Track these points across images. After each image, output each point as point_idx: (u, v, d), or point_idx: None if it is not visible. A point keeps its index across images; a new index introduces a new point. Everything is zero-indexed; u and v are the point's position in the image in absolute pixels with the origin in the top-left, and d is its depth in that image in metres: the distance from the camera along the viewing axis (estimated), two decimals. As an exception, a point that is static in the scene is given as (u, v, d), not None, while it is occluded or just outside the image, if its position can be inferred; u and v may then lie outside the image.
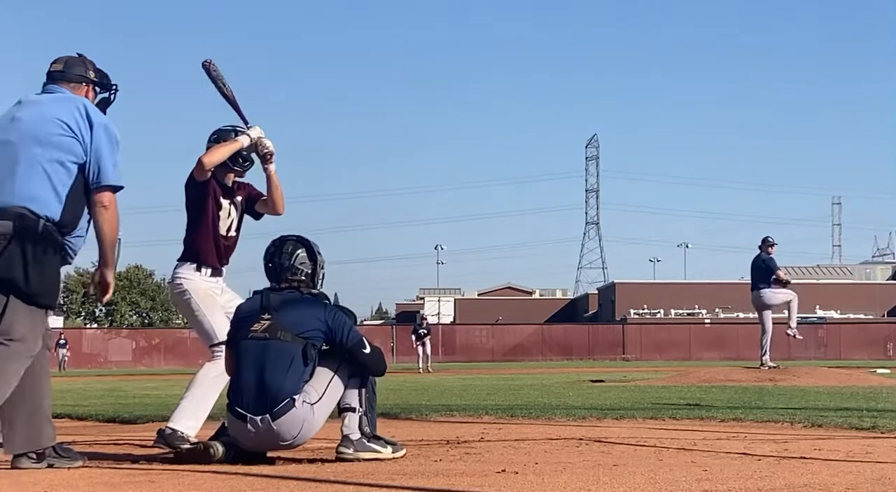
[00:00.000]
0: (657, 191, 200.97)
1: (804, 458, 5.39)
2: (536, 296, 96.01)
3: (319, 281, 5.82)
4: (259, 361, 5.44)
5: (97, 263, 5.50)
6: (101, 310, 79.73)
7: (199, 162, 6.35)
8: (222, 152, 6.38)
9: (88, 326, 74.32)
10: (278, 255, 5.75)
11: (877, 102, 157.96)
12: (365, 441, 5.50)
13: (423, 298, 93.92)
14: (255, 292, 5.79)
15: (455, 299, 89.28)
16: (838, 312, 70.33)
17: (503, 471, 4.87)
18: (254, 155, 6.60)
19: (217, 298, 6.46)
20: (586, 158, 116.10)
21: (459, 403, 10.95)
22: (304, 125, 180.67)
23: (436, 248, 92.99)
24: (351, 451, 5.46)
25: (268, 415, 5.34)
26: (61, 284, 5.26)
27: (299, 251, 5.76)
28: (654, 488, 4.30)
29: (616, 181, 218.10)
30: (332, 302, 5.74)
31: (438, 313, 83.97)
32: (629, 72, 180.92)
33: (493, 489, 4.30)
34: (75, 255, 5.34)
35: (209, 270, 6.47)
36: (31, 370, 5.12)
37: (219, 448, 5.42)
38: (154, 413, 9.76)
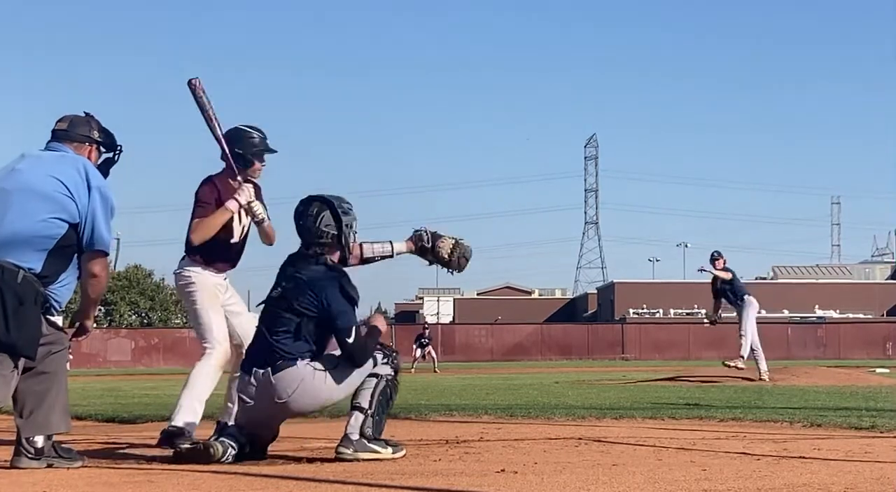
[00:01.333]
0: (656, 191, 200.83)
1: (803, 457, 5.39)
2: (535, 296, 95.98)
3: (348, 238, 5.77)
4: (266, 324, 5.59)
5: (77, 309, 5.58)
6: (100, 310, 79.69)
7: (189, 240, 6.40)
8: (212, 227, 6.35)
9: (88, 326, 74.19)
10: (304, 216, 5.75)
11: (876, 102, 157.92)
12: (365, 442, 5.50)
13: (422, 298, 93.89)
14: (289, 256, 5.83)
15: (454, 299, 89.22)
16: (837, 311, 70.31)
17: (502, 471, 4.87)
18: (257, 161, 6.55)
19: (220, 296, 6.50)
20: (585, 157, 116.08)
21: (459, 402, 10.95)
22: (303, 125, 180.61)
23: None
24: (350, 451, 5.47)
25: (269, 368, 5.47)
26: (41, 335, 5.22)
27: (324, 213, 5.72)
28: (654, 487, 4.30)
29: (615, 181, 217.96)
30: (341, 278, 5.66)
31: (438, 313, 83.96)
32: (628, 71, 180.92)
33: (493, 489, 4.31)
34: (61, 305, 5.37)
35: (217, 269, 6.50)
36: (51, 365, 5.23)
37: (218, 448, 5.42)
38: (153, 413, 9.76)
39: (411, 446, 6.25)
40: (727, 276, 16.99)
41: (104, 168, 5.54)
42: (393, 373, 5.69)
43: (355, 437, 5.50)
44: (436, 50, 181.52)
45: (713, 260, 17.01)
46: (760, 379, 16.19)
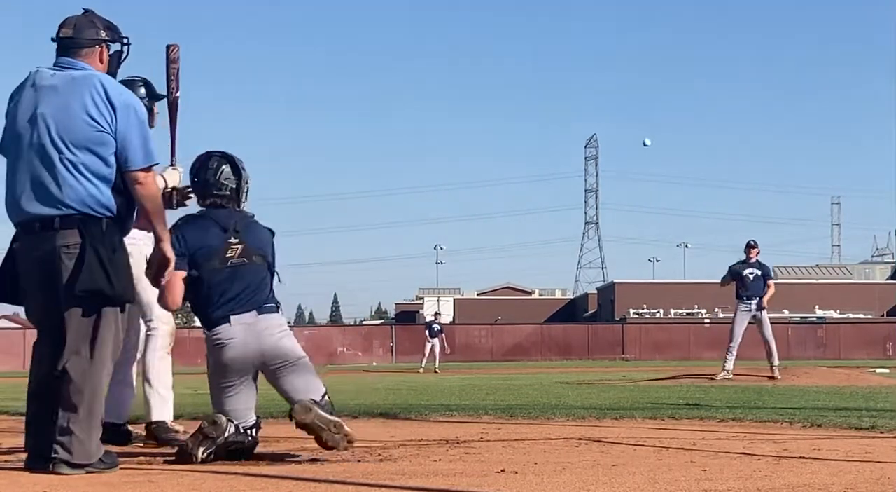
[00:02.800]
0: (656, 191, 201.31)
1: (803, 458, 5.39)
2: (536, 296, 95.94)
3: (244, 196, 5.86)
4: (243, 281, 5.62)
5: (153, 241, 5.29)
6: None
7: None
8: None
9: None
10: (203, 170, 5.81)
11: (876, 102, 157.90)
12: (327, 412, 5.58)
13: (422, 298, 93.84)
14: (192, 216, 5.78)
15: (454, 299, 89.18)
16: (837, 311, 70.25)
17: (502, 471, 4.87)
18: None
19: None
20: (586, 157, 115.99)
21: (459, 403, 10.94)
22: (304, 125, 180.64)
23: (435, 247, 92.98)
24: (311, 411, 5.51)
25: (254, 310, 5.58)
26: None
27: (224, 167, 5.80)
28: (654, 487, 4.30)
29: (615, 181, 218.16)
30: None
31: (438, 313, 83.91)
32: (629, 71, 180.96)
33: (493, 489, 4.30)
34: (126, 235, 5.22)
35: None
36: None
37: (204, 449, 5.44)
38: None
39: (411, 446, 6.25)
40: (773, 287, 16.82)
41: (114, 63, 5.29)
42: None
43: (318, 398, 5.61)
44: (436, 49, 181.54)
45: (750, 248, 16.61)
46: (723, 377, 16.20)
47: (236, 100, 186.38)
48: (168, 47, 6.37)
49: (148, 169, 5.09)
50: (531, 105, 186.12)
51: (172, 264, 5.27)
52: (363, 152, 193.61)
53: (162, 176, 6.22)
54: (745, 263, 16.69)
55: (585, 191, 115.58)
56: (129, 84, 6.29)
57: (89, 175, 4.96)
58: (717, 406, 9.65)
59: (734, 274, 16.68)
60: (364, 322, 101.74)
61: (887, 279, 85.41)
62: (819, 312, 68.89)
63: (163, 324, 6.34)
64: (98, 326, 4.96)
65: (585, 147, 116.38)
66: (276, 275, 5.83)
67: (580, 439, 6.61)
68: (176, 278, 5.55)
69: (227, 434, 5.45)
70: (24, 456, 5.28)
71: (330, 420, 5.49)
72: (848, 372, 18.73)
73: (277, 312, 5.74)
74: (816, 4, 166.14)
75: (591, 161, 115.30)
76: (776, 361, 16.51)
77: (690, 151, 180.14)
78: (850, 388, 13.90)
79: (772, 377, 16.17)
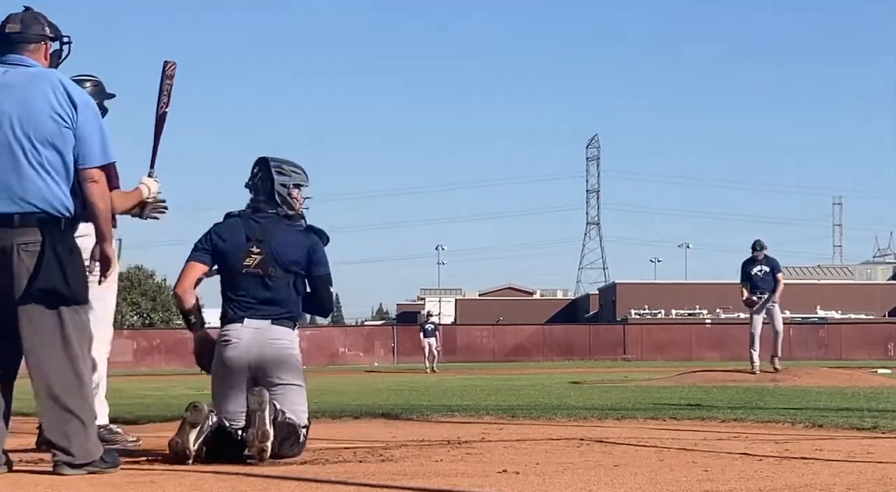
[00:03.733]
0: (658, 191, 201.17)
1: (805, 458, 5.38)
2: (537, 296, 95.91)
3: (281, 199, 5.83)
4: (259, 288, 5.67)
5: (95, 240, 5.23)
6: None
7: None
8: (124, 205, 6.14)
9: (89, 326, 74.12)
10: (250, 176, 5.93)
11: (877, 102, 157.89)
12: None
13: (423, 299, 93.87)
14: (230, 215, 5.88)
15: (456, 300, 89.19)
16: (839, 312, 70.21)
17: (504, 471, 4.87)
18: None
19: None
20: (587, 158, 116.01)
21: (460, 403, 10.95)
22: (303, 125, 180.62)
23: (437, 248, 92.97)
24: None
25: (269, 320, 5.64)
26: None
27: (260, 171, 5.88)
28: (655, 488, 4.30)
29: (617, 182, 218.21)
30: (305, 224, 5.89)
31: (439, 314, 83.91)
32: (630, 72, 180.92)
33: (495, 490, 4.30)
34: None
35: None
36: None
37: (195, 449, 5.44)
38: (155, 414, 9.76)
39: (413, 447, 6.25)
40: (782, 281, 17.17)
41: (54, 62, 5.25)
42: (301, 444, 5.65)
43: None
44: (435, 49, 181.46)
45: (757, 250, 16.98)
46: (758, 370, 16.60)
47: (236, 99, 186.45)
48: (165, 63, 6.44)
49: (103, 168, 5.05)
50: (532, 105, 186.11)
51: (115, 265, 5.25)
52: (363, 152, 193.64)
53: (145, 184, 6.26)
54: (754, 261, 17.07)
55: (587, 191, 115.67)
56: (80, 82, 6.31)
57: (52, 173, 4.93)
58: (719, 407, 9.65)
59: (745, 275, 17.11)
60: (365, 323, 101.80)
61: (889, 280, 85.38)
62: (820, 313, 68.84)
63: (102, 330, 6.34)
64: (62, 325, 4.93)
65: (587, 148, 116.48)
66: (318, 280, 5.82)
67: (582, 439, 6.61)
68: (192, 269, 5.74)
69: (210, 422, 5.43)
70: (24, 456, 5.29)
71: (266, 432, 5.34)
72: (849, 372, 18.72)
73: (293, 326, 5.75)
74: (817, 4, 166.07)
75: (592, 162, 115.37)
76: (779, 354, 17.00)
77: (692, 151, 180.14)
78: (852, 388, 13.91)
79: (775, 369, 16.64)
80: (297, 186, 5.91)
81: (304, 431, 5.65)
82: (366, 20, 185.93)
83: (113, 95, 6.64)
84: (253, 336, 5.60)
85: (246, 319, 5.63)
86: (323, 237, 5.92)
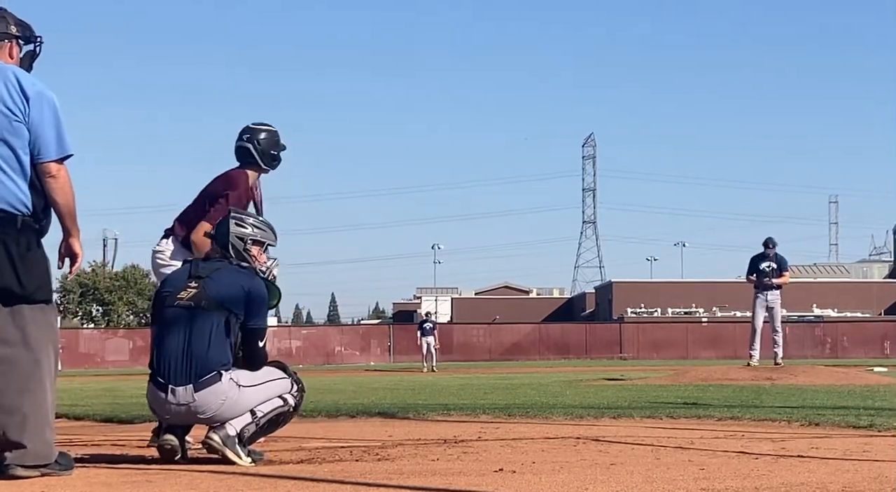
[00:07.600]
0: (654, 190, 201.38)
1: (801, 456, 5.39)
2: (533, 295, 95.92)
3: (235, 252, 5.65)
4: (184, 329, 5.38)
5: (62, 237, 5.12)
6: (97, 310, 79.59)
7: (195, 243, 6.51)
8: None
9: (85, 326, 74.12)
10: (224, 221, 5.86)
11: (874, 101, 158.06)
12: (235, 441, 5.33)
13: (420, 298, 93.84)
14: (185, 261, 5.87)
15: (452, 298, 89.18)
16: (835, 310, 70.28)
17: (501, 470, 4.87)
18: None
19: None
20: (583, 156, 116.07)
21: (457, 402, 10.95)
22: (303, 126, 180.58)
23: (433, 247, 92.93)
24: (218, 441, 5.28)
25: (191, 385, 5.30)
26: (51, 276, 5.08)
27: (221, 222, 5.82)
28: (652, 486, 4.30)
29: (613, 180, 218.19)
30: (265, 279, 5.66)
31: (436, 312, 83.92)
32: (626, 70, 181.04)
33: (491, 489, 4.30)
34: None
35: None
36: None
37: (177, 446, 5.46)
38: (151, 413, 9.73)
39: (409, 446, 6.25)
40: (787, 276, 17.66)
41: (27, 62, 5.16)
42: (294, 406, 5.64)
43: (232, 433, 5.35)
44: (435, 49, 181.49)
45: (769, 246, 17.35)
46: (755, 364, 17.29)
47: (236, 99, 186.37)
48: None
49: (61, 160, 4.95)
50: (530, 105, 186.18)
51: (80, 259, 5.15)
52: (361, 152, 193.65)
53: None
54: (763, 256, 17.42)
55: (583, 190, 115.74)
56: (255, 131, 6.67)
57: (7, 169, 4.87)
58: (715, 405, 9.65)
59: (753, 268, 17.45)
60: (362, 322, 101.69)
61: (885, 278, 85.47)
62: (817, 311, 68.92)
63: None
64: (24, 323, 4.87)
65: (583, 146, 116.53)
66: (247, 331, 5.46)
67: (578, 438, 6.61)
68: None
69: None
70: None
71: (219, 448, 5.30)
72: (846, 371, 18.73)
73: (220, 378, 5.32)
74: (815, 4, 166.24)
75: (588, 160, 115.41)
76: (780, 351, 17.65)
77: (688, 149, 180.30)
78: (848, 386, 13.91)
79: (776, 364, 17.34)
80: (258, 243, 5.72)
81: (276, 410, 5.49)
82: (365, 18, 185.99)
83: (284, 147, 6.83)
84: (179, 409, 5.35)
85: (170, 386, 5.33)
86: (273, 291, 5.66)
